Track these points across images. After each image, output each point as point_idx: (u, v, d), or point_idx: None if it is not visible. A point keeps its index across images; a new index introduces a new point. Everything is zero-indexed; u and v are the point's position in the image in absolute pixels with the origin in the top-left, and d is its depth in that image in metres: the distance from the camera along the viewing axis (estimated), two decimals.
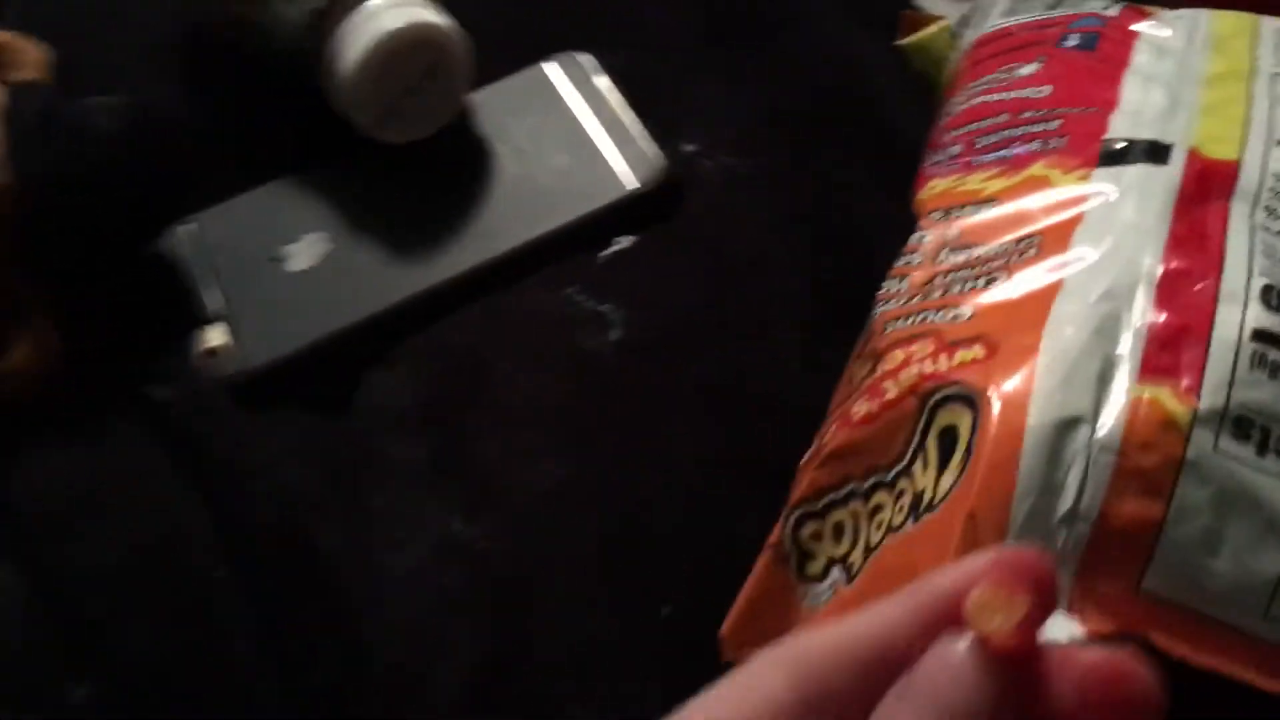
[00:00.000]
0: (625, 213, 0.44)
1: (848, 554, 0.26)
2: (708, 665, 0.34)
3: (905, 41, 0.43)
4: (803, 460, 0.28)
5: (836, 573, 0.26)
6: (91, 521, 0.38)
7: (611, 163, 0.45)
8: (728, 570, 0.36)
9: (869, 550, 0.25)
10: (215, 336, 0.43)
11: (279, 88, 0.47)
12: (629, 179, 0.45)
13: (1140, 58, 0.32)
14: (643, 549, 0.37)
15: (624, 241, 0.44)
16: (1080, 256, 0.26)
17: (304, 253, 0.45)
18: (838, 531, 0.26)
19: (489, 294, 0.43)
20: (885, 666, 0.20)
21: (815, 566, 0.26)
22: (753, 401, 0.39)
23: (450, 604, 0.37)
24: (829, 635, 0.21)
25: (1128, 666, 0.18)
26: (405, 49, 0.44)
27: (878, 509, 0.25)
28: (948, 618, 0.19)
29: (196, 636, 0.36)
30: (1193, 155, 0.28)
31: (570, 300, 0.42)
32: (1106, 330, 0.24)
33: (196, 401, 0.40)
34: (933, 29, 0.42)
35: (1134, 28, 0.35)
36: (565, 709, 0.35)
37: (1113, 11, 0.36)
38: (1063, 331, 0.24)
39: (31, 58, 0.44)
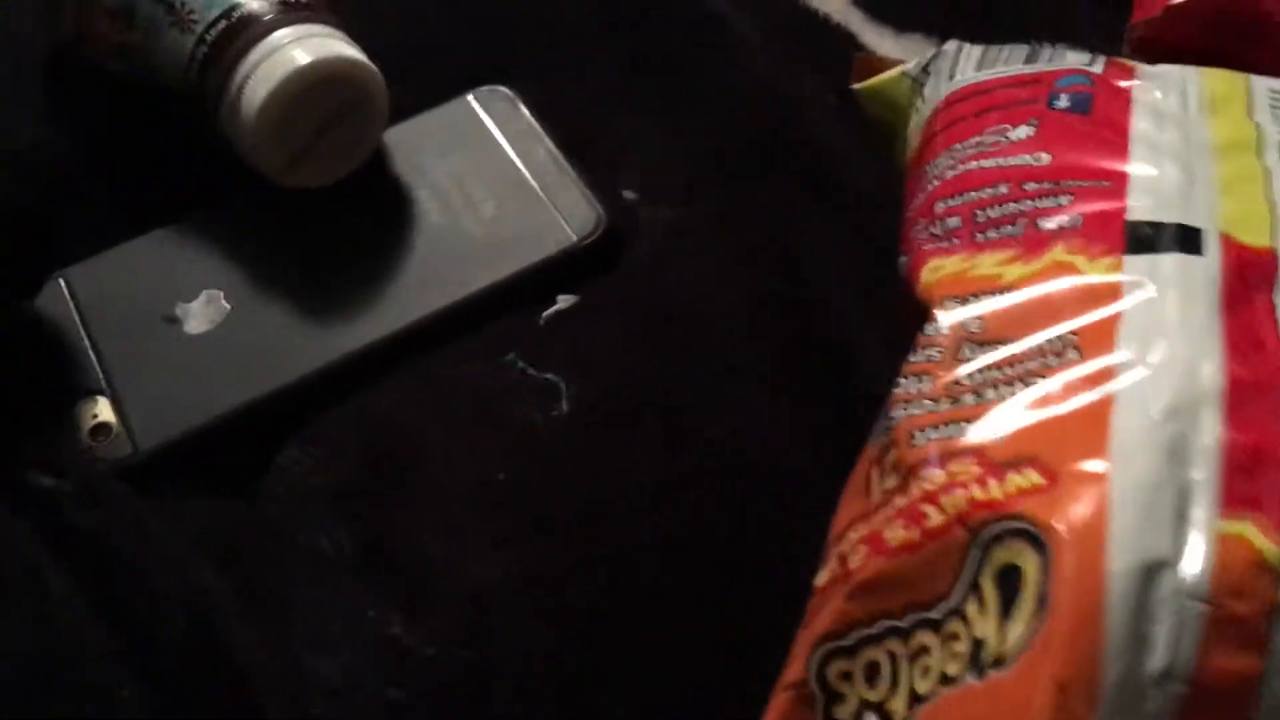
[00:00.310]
0: (565, 268, 0.40)
1: (884, 700, 0.23)
2: None
3: (861, 86, 0.41)
4: (821, 580, 0.25)
5: (872, 718, 0.23)
6: None
7: (548, 211, 0.41)
8: (699, 675, 0.33)
9: (915, 698, 0.22)
10: (101, 412, 0.38)
11: (164, 121, 0.42)
12: (567, 230, 0.41)
13: (1141, 124, 0.31)
14: (605, 650, 0.34)
15: (564, 301, 0.40)
16: (1128, 362, 0.24)
17: (201, 313, 0.40)
18: (871, 672, 0.23)
19: (417, 361, 0.39)
20: None
21: (845, 710, 0.23)
22: (717, 470, 0.36)
23: None
24: None
25: None
26: (316, 87, 0.39)
27: (921, 651, 0.23)
28: None
29: None
30: (1227, 243, 0.27)
31: (511, 368, 0.38)
32: (1178, 454, 0.22)
33: (85, 489, 0.35)
34: (891, 74, 0.39)
35: (1122, 85, 0.33)
36: None
37: (1097, 67, 0.34)
38: (1132, 458, 0.22)
39: None
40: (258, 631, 0.34)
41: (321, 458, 0.37)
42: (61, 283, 0.40)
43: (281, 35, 0.39)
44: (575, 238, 0.41)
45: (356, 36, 0.41)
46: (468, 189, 0.42)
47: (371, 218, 0.42)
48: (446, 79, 0.45)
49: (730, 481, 0.36)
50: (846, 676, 0.24)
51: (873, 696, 0.23)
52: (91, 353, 0.39)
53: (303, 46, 0.39)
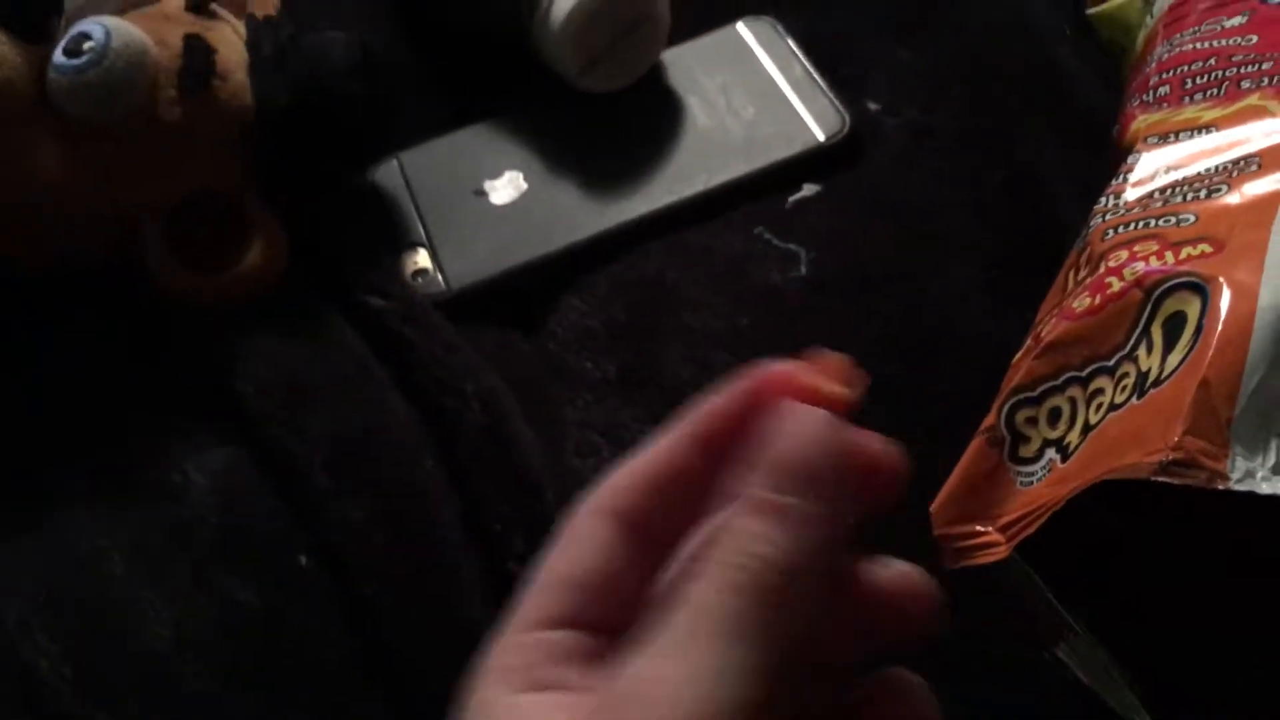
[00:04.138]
0: (812, 164, 0.46)
1: (1064, 436, 0.27)
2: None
3: (1095, 10, 0.45)
4: (1017, 357, 0.30)
5: (1051, 453, 0.28)
6: (311, 410, 0.41)
7: (799, 116, 0.47)
8: (914, 479, 0.38)
9: (1088, 429, 0.27)
10: (421, 259, 0.46)
11: (486, 36, 0.51)
12: (816, 131, 0.47)
13: None
14: None
15: (810, 189, 0.46)
16: None
17: (504, 188, 0.48)
18: (1054, 416, 0.28)
19: (681, 233, 0.45)
20: (679, 482, 0.23)
21: (1029, 449, 0.28)
22: (933, 335, 0.41)
23: None
24: (627, 472, 0.24)
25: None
26: (612, 3, 0.47)
27: (1097, 393, 0.27)
28: (727, 433, 0.23)
29: (407, 516, 0.39)
30: None
31: (758, 239, 0.44)
32: None
33: (408, 311, 0.43)
34: None
35: None
36: None
37: None
38: None
39: None
40: (536, 431, 0.41)
41: (595, 304, 0.44)
42: (396, 161, 0.49)
43: None
44: (822, 138, 0.47)
45: None
46: (731, 97, 0.49)
47: (649, 118, 0.49)
48: (722, 9, 0.52)
49: (942, 332, 0.40)
50: (1031, 421, 0.28)
51: (1053, 435, 0.28)
52: (416, 215, 0.47)
53: None
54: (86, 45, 0.40)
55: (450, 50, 0.52)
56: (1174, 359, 0.25)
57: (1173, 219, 0.28)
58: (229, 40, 0.43)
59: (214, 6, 0.45)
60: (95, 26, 0.40)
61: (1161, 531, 0.27)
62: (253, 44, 0.44)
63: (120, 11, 0.43)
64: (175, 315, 0.43)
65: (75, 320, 0.43)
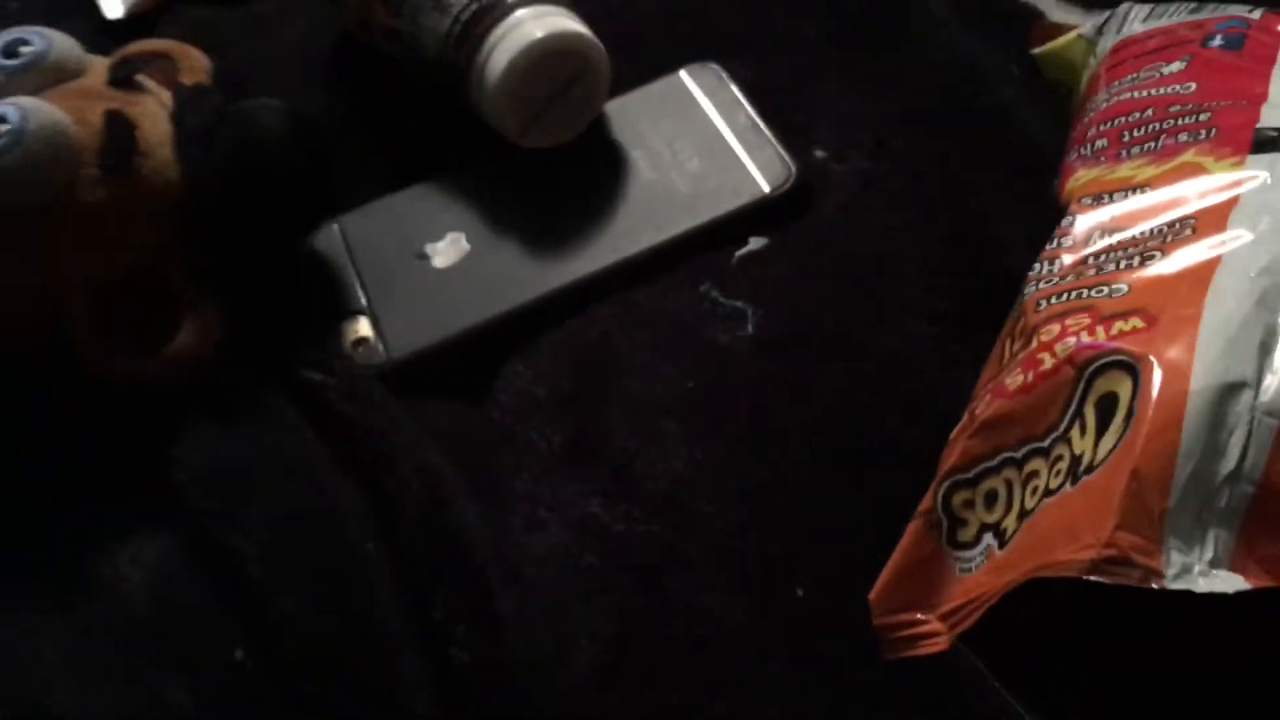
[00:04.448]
0: (758, 216, 0.45)
1: (1000, 520, 0.26)
2: (839, 644, 0.35)
3: (1040, 50, 0.44)
4: (953, 433, 0.29)
5: (989, 539, 0.26)
6: (247, 497, 0.40)
7: (745, 167, 0.46)
8: (860, 557, 0.36)
9: (1024, 514, 0.26)
10: (362, 328, 0.45)
11: (424, 95, 0.50)
12: (761, 182, 0.46)
13: None
14: (776, 532, 0.38)
15: (757, 243, 0.45)
16: (1237, 235, 0.27)
17: (446, 251, 0.46)
18: (990, 499, 0.27)
19: (624, 292, 0.44)
20: None
21: (967, 533, 0.27)
22: (884, 396, 0.40)
23: (586, 584, 0.38)
24: None
25: None
26: (549, 58, 0.46)
27: (1032, 475, 0.26)
28: None
29: (347, 606, 0.38)
30: None
31: (705, 297, 0.43)
32: (1268, 302, 0.25)
33: (348, 386, 0.42)
34: (1068, 37, 0.42)
35: (1279, 29, 0.35)
36: (695, 688, 0.36)
37: (1256, 15, 0.36)
38: (1224, 303, 0.25)
39: (195, 64, 0.47)
40: (481, 509, 0.40)
41: (540, 370, 0.43)
42: (336, 226, 0.47)
43: (522, 14, 0.46)
44: (768, 189, 0.46)
45: (587, 19, 0.47)
46: (676, 149, 0.48)
47: (592, 174, 0.48)
48: (665, 57, 0.51)
49: (891, 393, 0.39)
50: (969, 504, 0.27)
51: (990, 519, 0.27)
52: (357, 281, 0.46)
53: (539, 23, 0.46)
54: (2, 129, 0.39)
55: (389, 109, 0.51)
56: (1106, 443, 0.24)
57: (1105, 289, 0.27)
58: (153, 114, 0.42)
59: (140, 78, 0.44)
60: (10, 109, 0.39)
61: (1105, 618, 0.26)
62: (178, 116, 0.43)
63: (38, 90, 0.41)
64: (106, 398, 0.42)
65: (1, 406, 0.42)
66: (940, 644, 0.26)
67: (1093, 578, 0.23)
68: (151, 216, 0.41)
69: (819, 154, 0.47)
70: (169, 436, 0.41)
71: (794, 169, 0.46)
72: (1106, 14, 0.42)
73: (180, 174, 0.42)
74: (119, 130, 0.41)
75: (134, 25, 0.55)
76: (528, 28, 0.45)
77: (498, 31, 0.46)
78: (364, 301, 0.45)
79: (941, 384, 0.39)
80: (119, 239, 0.41)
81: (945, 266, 0.43)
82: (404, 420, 0.42)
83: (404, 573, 0.39)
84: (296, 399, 0.42)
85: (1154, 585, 0.22)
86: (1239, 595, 0.22)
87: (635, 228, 0.46)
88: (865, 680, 0.35)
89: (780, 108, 0.48)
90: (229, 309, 0.43)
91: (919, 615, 0.27)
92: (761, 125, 0.47)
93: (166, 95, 0.44)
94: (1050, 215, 0.37)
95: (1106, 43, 0.40)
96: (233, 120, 0.43)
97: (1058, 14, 0.51)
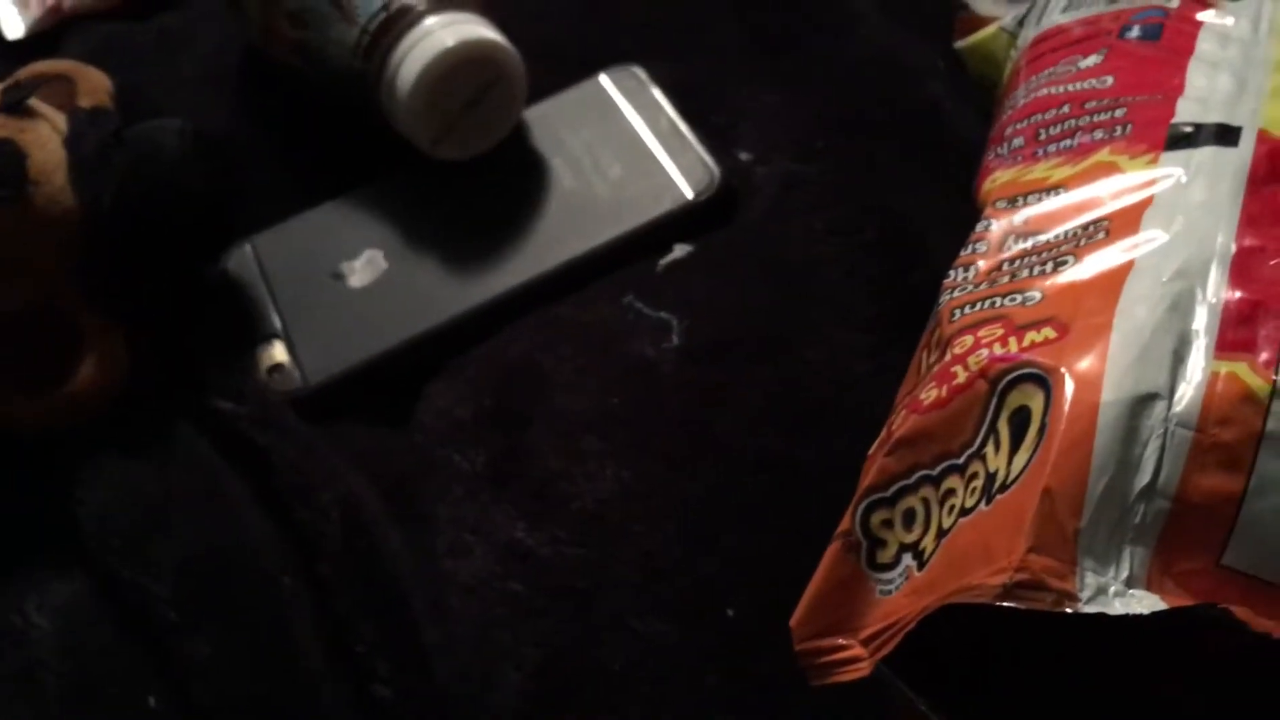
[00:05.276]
0: (682, 222, 0.44)
1: (919, 540, 0.25)
2: (772, 664, 0.34)
3: (962, 44, 0.43)
4: (872, 448, 0.28)
5: (908, 559, 0.26)
6: (157, 536, 0.38)
7: (667, 173, 0.45)
8: (792, 572, 0.35)
9: (941, 534, 0.25)
10: (277, 353, 0.43)
11: (335, 108, 0.48)
12: (685, 188, 0.45)
13: (1205, 45, 0.32)
14: (706, 550, 0.37)
15: (681, 250, 0.44)
16: (1151, 238, 0.26)
17: (363, 270, 0.45)
18: (908, 518, 0.26)
19: (547, 305, 0.43)
20: None
21: (886, 554, 0.26)
22: (815, 404, 0.39)
23: (513, 610, 0.37)
24: None
25: None
26: (461, 66, 0.44)
27: (949, 494, 0.25)
28: None
29: (264, 644, 0.36)
30: (1262, 136, 0.28)
31: (629, 308, 0.42)
32: (1181, 307, 0.24)
33: (261, 415, 0.41)
34: (990, 29, 0.42)
35: (1198, 17, 0.34)
36: (627, 713, 0.35)
37: (1174, 3, 0.35)
38: (1135, 310, 0.24)
39: (94, 85, 0.45)
40: (404, 537, 0.39)
41: (463, 390, 0.42)
42: (248, 247, 0.46)
43: (431, 22, 0.45)
44: (691, 195, 0.44)
45: (500, 24, 0.46)
46: (597, 156, 0.47)
47: (511, 185, 0.47)
48: (582, 61, 0.49)
49: (823, 403, 0.38)
50: (887, 524, 0.26)
51: (908, 539, 0.26)
52: (270, 304, 0.44)
53: (449, 31, 0.44)
54: None
55: (300, 124, 0.49)
56: (1020, 460, 0.23)
57: (1019, 297, 0.26)
58: (46, 140, 0.41)
59: (33, 103, 0.42)
60: None
61: (1033, 634, 0.25)
62: (73, 142, 0.41)
63: None
64: (8, 438, 0.40)
65: None
66: (862, 669, 0.25)
67: (1005, 604, 0.22)
68: (47, 246, 0.40)
69: (743, 157, 0.46)
70: (73, 474, 0.39)
71: (718, 173, 0.45)
72: (1028, 4, 0.41)
73: (76, 201, 0.40)
74: (8, 159, 0.39)
75: (37, 43, 0.53)
76: (438, 36, 0.44)
77: (407, 40, 0.44)
78: (278, 325, 0.44)
79: (875, 393, 0.38)
80: (13, 271, 0.40)
81: (875, 270, 0.42)
82: (322, 447, 0.40)
83: (324, 607, 0.37)
84: (208, 430, 0.41)
85: (1068, 610, 0.21)
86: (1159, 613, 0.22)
87: (556, 239, 0.44)
88: (801, 701, 0.34)
89: (702, 110, 0.47)
90: (134, 339, 0.41)
91: (840, 640, 0.26)
92: (684, 129, 0.46)
93: (61, 119, 0.42)
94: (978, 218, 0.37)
95: (1028, 34, 0.39)
96: (129, 143, 0.41)
97: (984, 5, 0.50)
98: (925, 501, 0.25)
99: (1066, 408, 0.23)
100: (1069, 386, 0.23)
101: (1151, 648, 0.25)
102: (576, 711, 0.35)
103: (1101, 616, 0.22)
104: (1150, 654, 0.25)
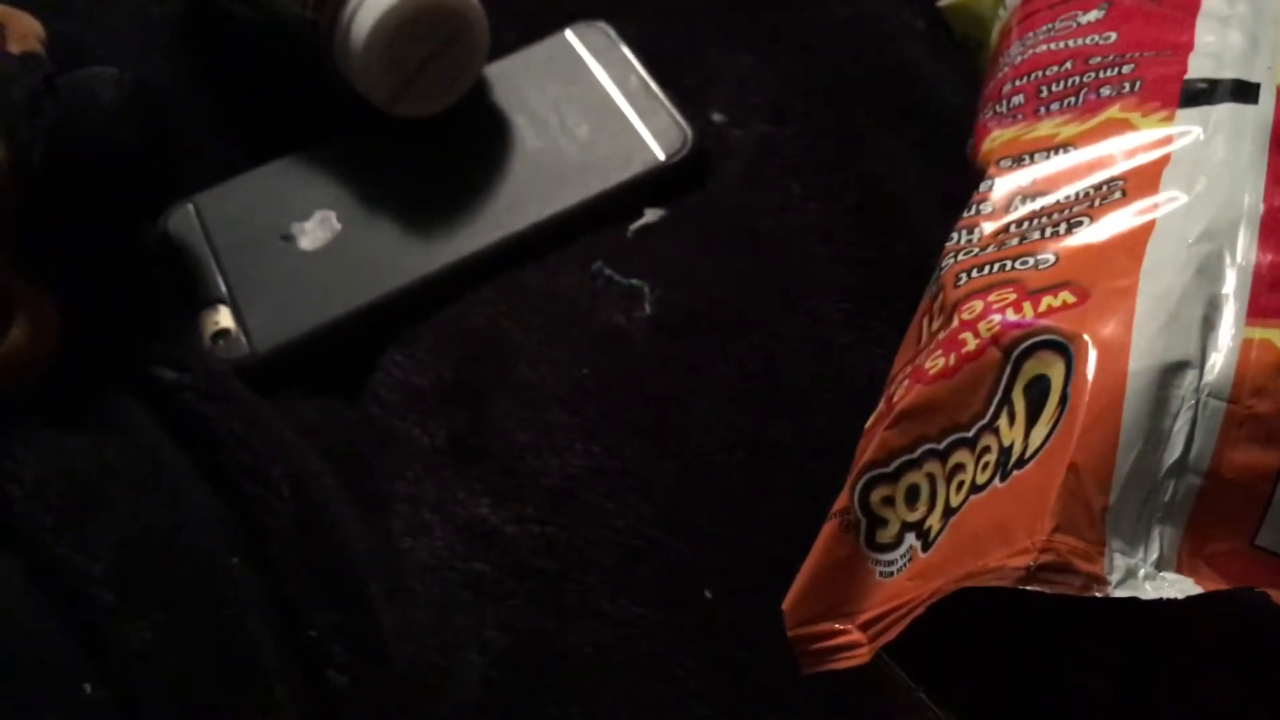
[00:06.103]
0: (653, 185, 0.42)
1: (924, 519, 0.24)
2: (751, 650, 0.33)
3: (946, 3, 0.41)
4: (869, 421, 0.26)
5: (911, 539, 0.24)
6: (92, 513, 0.36)
7: (638, 134, 0.43)
8: (773, 552, 0.34)
9: (949, 512, 0.23)
10: (222, 319, 0.41)
11: (284, 61, 0.45)
12: (656, 150, 0.43)
13: (1211, 2, 0.31)
14: (680, 530, 0.35)
15: (653, 214, 0.42)
16: (1172, 197, 0.24)
17: (314, 231, 0.43)
18: (912, 495, 0.24)
19: (512, 271, 0.41)
20: None
21: (887, 533, 0.24)
22: (793, 376, 0.37)
23: (476, 592, 0.35)
24: None
25: None
26: (421, 17, 0.42)
27: (957, 469, 0.23)
28: None
29: (209, 629, 0.34)
30: None
31: (599, 275, 0.40)
32: (1209, 271, 0.22)
33: (206, 385, 0.38)
34: None
35: None
36: (596, 700, 0.33)
37: None
38: (1161, 273, 0.23)
39: (24, 30, 0.42)
40: (360, 515, 0.37)
41: (421, 360, 0.40)
42: (190, 206, 0.43)
43: None
44: (663, 156, 0.42)
45: None
46: (563, 115, 0.44)
47: (473, 144, 0.44)
48: (548, 16, 0.47)
49: (802, 376, 0.37)
50: (888, 501, 0.24)
51: (912, 517, 0.24)
52: (215, 267, 0.42)
53: None
54: None
55: (246, 78, 0.46)
56: (1038, 434, 0.22)
57: (1030, 260, 0.24)
58: None
59: None
60: None
61: (1035, 622, 0.23)
62: (4, 86, 0.38)
63: None
64: None
65: None
66: (861, 656, 0.24)
67: (1028, 587, 0.20)
68: None
69: (716, 118, 0.44)
70: (2, 447, 0.36)
71: (690, 135, 0.43)
72: None
73: (3, 152, 0.37)
74: None
75: None
76: None
77: None
78: (224, 289, 0.41)
79: (855, 365, 0.36)
80: None
81: (854, 237, 0.40)
82: (271, 420, 0.38)
83: (274, 589, 0.35)
84: (148, 400, 0.38)
85: (1096, 594, 0.20)
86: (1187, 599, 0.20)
87: (521, 202, 0.42)
88: (779, 687, 0.32)
89: (673, 69, 0.45)
90: (68, 302, 0.39)
91: (837, 625, 0.24)
92: (655, 88, 0.44)
93: None
94: (966, 179, 0.35)
95: None
96: (61, 92, 0.38)
97: None
98: (930, 477, 0.24)
99: (1091, 377, 0.21)
100: (1093, 355, 0.21)
101: (1151, 633, 0.23)
102: (543, 699, 0.34)
103: (1104, 602, 0.21)
104: (1151, 640, 0.24)
